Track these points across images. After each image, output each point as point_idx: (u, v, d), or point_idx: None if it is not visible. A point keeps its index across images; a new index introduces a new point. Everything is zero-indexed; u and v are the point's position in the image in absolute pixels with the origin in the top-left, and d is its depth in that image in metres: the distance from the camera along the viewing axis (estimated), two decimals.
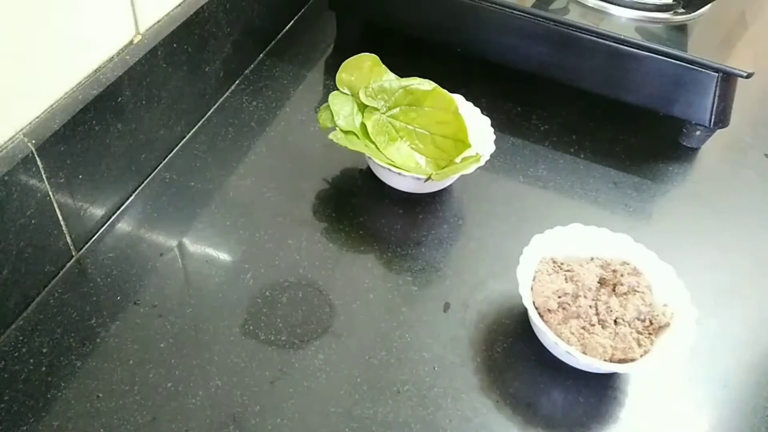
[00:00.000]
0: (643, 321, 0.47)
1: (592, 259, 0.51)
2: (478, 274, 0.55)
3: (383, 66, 0.60)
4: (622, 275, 0.49)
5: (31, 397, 0.43)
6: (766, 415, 0.48)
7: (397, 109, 0.59)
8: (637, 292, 0.48)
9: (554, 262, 0.50)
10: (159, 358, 0.46)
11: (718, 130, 0.67)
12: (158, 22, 0.55)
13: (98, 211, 0.53)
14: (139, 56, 0.52)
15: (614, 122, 0.72)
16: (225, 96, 0.68)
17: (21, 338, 0.46)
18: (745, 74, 0.61)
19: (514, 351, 0.49)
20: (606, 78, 0.67)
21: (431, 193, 0.61)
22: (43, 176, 0.45)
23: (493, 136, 0.60)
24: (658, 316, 0.47)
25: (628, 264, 0.50)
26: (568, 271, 0.49)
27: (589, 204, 0.62)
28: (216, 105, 0.67)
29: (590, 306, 0.47)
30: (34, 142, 0.44)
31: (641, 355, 0.45)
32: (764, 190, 0.66)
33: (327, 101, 0.58)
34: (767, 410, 0.48)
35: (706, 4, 0.69)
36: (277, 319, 0.49)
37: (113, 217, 0.55)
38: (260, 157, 0.63)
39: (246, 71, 0.72)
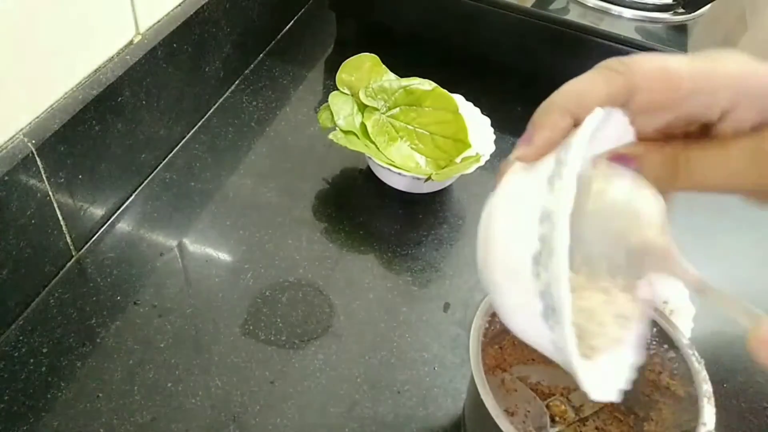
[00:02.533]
0: None
1: None
2: (478, 274, 0.54)
3: (383, 66, 0.60)
4: None
5: (31, 397, 0.43)
6: (766, 415, 0.48)
7: (397, 109, 0.59)
8: None
9: None
10: (159, 358, 0.46)
11: None
12: (158, 22, 0.55)
13: (98, 211, 0.53)
14: (139, 56, 0.52)
15: None
16: (225, 96, 0.68)
17: (21, 338, 0.46)
18: None
19: None
20: None
21: (431, 193, 0.61)
22: (43, 176, 0.45)
23: (493, 136, 0.60)
24: None
25: None
26: None
27: None
28: (216, 105, 0.67)
29: None
30: (34, 142, 0.44)
31: None
32: None
33: (327, 101, 0.58)
34: (767, 410, 0.48)
35: (706, 4, 0.69)
36: (277, 319, 0.49)
37: (113, 217, 0.55)
38: (260, 157, 0.63)
39: (246, 71, 0.72)
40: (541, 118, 0.26)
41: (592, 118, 0.24)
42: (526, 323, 0.26)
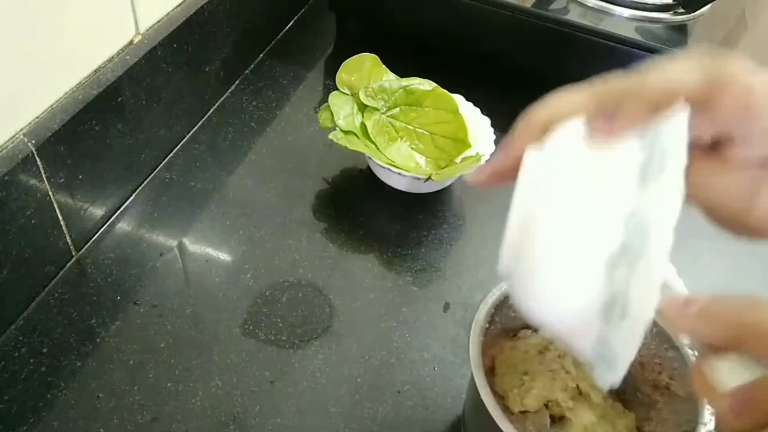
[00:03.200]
0: None
1: None
2: (478, 274, 0.55)
3: (383, 66, 0.60)
4: None
5: (31, 397, 0.43)
6: None
7: (397, 109, 0.59)
8: None
9: None
10: (159, 358, 0.46)
11: None
12: (158, 22, 0.55)
13: (98, 211, 0.53)
14: (139, 56, 0.52)
15: None
16: (225, 96, 0.68)
17: (21, 338, 0.46)
18: None
19: None
20: None
21: (431, 193, 0.61)
22: (43, 176, 0.45)
23: (493, 136, 0.60)
24: None
25: None
26: None
27: None
28: (216, 105, 0.67)
29: None
30: (34, 142, 0.44)
31: None
32: None
33: (327, 101, 0.58)
34: None
35: (706, 4, 0.69)
36: (277, 319, 0.49)
37: (113, 217, 0.55)
38: (260, 157, 0.63)
39: (246, 71, 0.72)
40: (629, 101, 0.24)
41: (683, 120, 0.23)
42: (567, 310, 0.25)
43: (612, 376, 0.25)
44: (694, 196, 0.26)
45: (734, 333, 0.23)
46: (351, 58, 0.59)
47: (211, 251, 0.54)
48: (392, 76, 0.60)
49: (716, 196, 0.26)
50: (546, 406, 0.42)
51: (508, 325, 0.42)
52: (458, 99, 0.61)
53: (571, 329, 0.26)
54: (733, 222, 0.27)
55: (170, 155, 0.61)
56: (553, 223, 0.25)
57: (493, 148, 0.59)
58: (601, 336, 0.25)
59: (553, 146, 0.26)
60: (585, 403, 0.41)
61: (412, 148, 0.59)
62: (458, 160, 0.59)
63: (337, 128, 0.57)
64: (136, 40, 0.53)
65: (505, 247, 0.27)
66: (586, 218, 0.24)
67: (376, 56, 0.60)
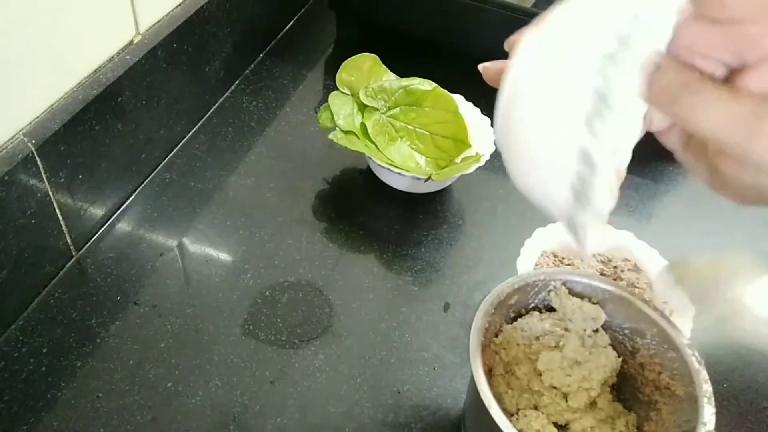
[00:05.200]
0: None
1: (593, 254, 0.51)
2: (478, 274, 0.55)
3: (383, 66, 0.60)
4: (622, 271, 0.49)
5: (31, 397, 0.43)
6: (766, 415, 0.48)
7: (397, 109, 0.59)
8: (637, 288, 0.48)
9: (555, 255, 0.50)
10: (159, 358, 0.46)
11: None
12: (158, 22, 0.55)
13: (98, 211, 0.53)
14: (139, 56, 0.52)
15: None
16: (225, 96, 0.68)
17: (21, 338, 0.46)
18: None
19: None
20: None
21: (431, 193, 0.61)
22: (43, 176, 0.45)
23: (493, 136, 0.60)
24: None
25: (629, 261, 0.50)
26: (568, 265, 0.49)
27: None
28: (216, 105, 0.67)
29: None
30: (34, 142, 0.44)
31: None
32: None
33: (327, 101, 0.58)
34: (767, 410, 0.48)
35: None
36: (277, 319, 0.49)
37: (113, 217, 0.55)
38: (260, 157, 0.63)
39: (246, 71, 0.72)
40: None
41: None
42: (554, 122, 0.24)
43: (593, 219, 0.24)
44: (701, 129, 0.23)
45: None
46: (351, 58, 0.59)
47: (211, 251, 0.54)
48: (392, 76, 0.60)
49: (721, 126, 0.23)
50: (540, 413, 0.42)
51: (507, 322, 0.42)
52: (458, 99, 0.61)
53: (549, 149, 0.25)
54: (731, 167, 0.24)
55: (170, 155, 0.61)
56: (536, 68, 0.25)
57: (493, 148, 0.59)
58: (584, 152, 0.24)
59: (549, 21, 0.26)
60: (586, 404, 0.41)
61: (412, 148, 0.59)
62: (458, 160, 0.59)
63: (337, 128, 0.57)
64: (136, 40, 0.53)
65: (496, 118, 0.27)
66: (585, 19, 0.24)
67: (376, 56, 0.60)
